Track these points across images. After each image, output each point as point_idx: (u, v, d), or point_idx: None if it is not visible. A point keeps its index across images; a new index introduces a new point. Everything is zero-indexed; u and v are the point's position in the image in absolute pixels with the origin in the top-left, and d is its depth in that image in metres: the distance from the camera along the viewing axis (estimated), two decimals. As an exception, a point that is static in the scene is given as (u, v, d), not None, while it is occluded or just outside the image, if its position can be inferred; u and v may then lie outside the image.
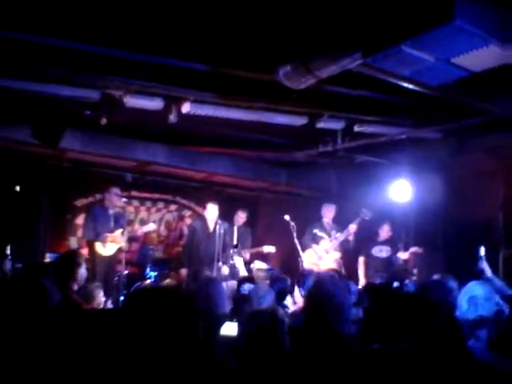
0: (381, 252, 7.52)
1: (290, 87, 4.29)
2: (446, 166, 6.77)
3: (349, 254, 7.74)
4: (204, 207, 7.50)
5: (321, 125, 5.72)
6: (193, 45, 4.18)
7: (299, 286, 4.72)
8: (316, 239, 7.60)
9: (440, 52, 3.60)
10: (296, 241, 7.29)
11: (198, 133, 6.82)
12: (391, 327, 1.47)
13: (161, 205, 9.16)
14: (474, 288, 3.19)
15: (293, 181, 8.64)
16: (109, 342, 1.53)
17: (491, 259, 5.04)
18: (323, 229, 7.67)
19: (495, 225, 6.59)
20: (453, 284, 3.97)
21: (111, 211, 6.94)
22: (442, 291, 3.89)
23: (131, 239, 7.50)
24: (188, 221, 9.08)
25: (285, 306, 4.62)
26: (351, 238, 7.56)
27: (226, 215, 7.61)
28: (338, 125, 5.96)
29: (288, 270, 7.96)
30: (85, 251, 6.60)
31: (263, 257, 8.41)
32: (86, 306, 4.01)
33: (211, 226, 7.29)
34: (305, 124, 5.67)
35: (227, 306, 3.95)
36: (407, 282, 6.29)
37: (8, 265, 5.79)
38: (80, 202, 8.23)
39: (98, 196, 7.99)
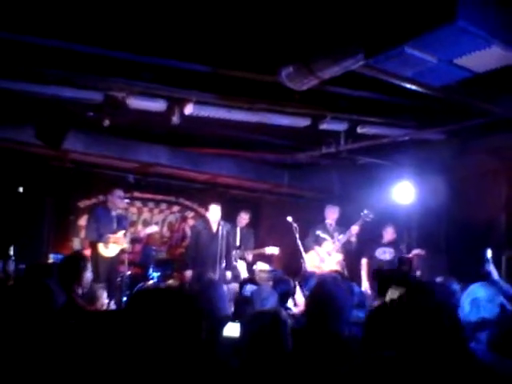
0: (384, 254, 7.50)
1: (292, 88, 4.29)
2: (448, 168, 6.76)
3: (351, 256, 7.73)
4: (207, 208, 7.50)
5: (323, 126, 5.72)
6: (195, 46, 4.19)
7: (301, 288, 4.72)
8: (319, 241, 7.59)
9: (443, 53, 3.59)
10: (299, 242, 7.28)
11: (201, 134, 6.83)
12: (394, 329, 1.47)
13: (163, 206, 9.18)
14: (477, 290, 3.18)
15: (295, 182, 8.63)
16: (113, 343, 1.53)
17: (494, 260, 5.03)
18: (326, 230, 7.66)
19: (498, 226, 6.58)
20: (455, 286, 3.97)
21: (114, 212, 6.95)
22: (444, 293, 3.88)
23: (134, 240, 7.52)
24: (191, 222, 9.09)
25: (287, 308, 4.62)
26: (353, 239, 7.54)
27: (229, 216, 7.62)
28: (340, 126, 5.95)
29: (290, 272, 7.95)
30: (87, 252, 6.62)
31: (266, 258, 8.41)
32: (90, 308, 4.01)
33: (214, 228, 7.28)
34: (307, 125, 5.67)
35: (229, 308, 3.95)
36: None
37: (11, 266, 5.80)
38: (83, 204, 8.25)
39: (101, 197, 8.00)
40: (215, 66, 4.42)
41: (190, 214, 9.36)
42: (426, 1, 3.17)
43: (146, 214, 8.93)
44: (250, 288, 6.96)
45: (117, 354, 1.49)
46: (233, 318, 3.36)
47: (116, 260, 6.87)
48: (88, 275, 4.03)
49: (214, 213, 7.25)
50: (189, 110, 5.17)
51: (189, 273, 7.12)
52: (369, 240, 7.68)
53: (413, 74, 3.97)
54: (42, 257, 7.19)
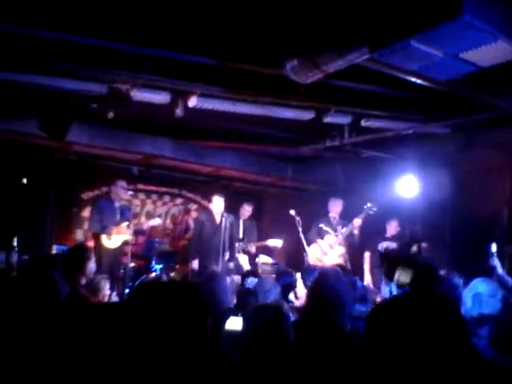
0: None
1: (297, 81, 4.27)
2: (453, 162, 6.74)
3: (354, 249, 7.73)
4: (210, 201, 7.50)
5: (328, 119, 5.71)
6: (200, 38, 4.17)
7: (304, 281, 4.72)
8: (322, 234, 7.59)
9: (448, 47, 3.57)
10: (301, 236, 7.29)
11: (205, 127, 6.82)
12: (398, 325, 1.47)
13: (167, 198, 9.19)
14: (479, 285, 3.18)
15: (299, 175, 8.63)
16: (116, 336, 1.54)
17: (497, 254, 5.03)
18: (329, 224, 7.66)
19: (501, 220, 6.57)
20: (458, 280, 3.97)
21: (117, 204, 6.96)
22: (447, 287, 3.88)
23: (137, 232, 7.53)
24: (194, 214, 9.10)
25: (289, 301, 4.63)
26: (356, 232, 7.53)
27: (232, 209, 7.62)
28: (344, 119, 5.94)
29: (293, 265, 7.97)
30: (91, 243, 6.64)
31: (269, 251, 8.42)
32: (93, 299, 4.04)
33: (217, 219, 7.29)
34: (312, 118, 5.66)
35: (232, 301, 3.96)
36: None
37: (15, 257, 5.83)
38: (86, 195, 8.27)
39: (104, 189, 8.02)
40: (219, 58, 4.40)
41: (194, 207, 9.38)
42: (432, -5, 3.15)
43: (149, 206, 8.94)
44: (251, 281, 6.99)
45: (119, 347, 1.49)
46: (235, 311, 3.37)
47: (119, 252, 6.89)
48: (91, 266, 4.06)
49: (218, 204, 7.25)
50: (192, 102, 5.16)
51: (195, 262, 7.11)
52: (372, 233, 7.67)
53: (418, 67, 3.96)
54: (46, 248, 7.22)
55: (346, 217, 7.70)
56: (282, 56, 4.10)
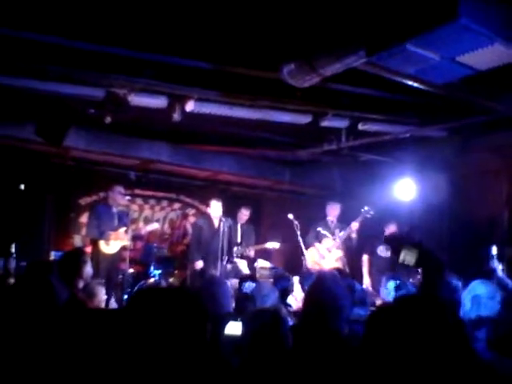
0: (386, 251, 7.49)
1: (294, 85, 4.28)
2: (450, 165, 6.75)
3: (352, 252, 7.72)
4: (208, 205, 7.50)
5: (325, 123, 5.71)
6: (197, 43, 4.18)
7: (302, 286, 4.71)
8: (319, 238, 7.59)
9: (445, 50, 3.58)
10: (300, 239, 7.28)
11: (202, 131, 6.82)
12: (398, 329, 1.47)
13: (165, 203, 9.19)
14: (477, 287, 3.18)
15: (296, 179, 8.63)
16: (116, 341, 1.53)
17: (497, 257, 5.03)
18: (327, 227, 7.66)
19: (500, 223, 6.57)
20: (456, 283, 3.97)
21: (115, 209, 6.95)
22: (447, 290, 3.88)
23: (135, 237, 7.52)
24: (192, 219, 9.09)
25: (287, 305, 4.62)
26: (354, 235, 7.52)
27: (230, 213, 7.61)
28: (342, 123, 5.94)
29: (292, 269, 7.96)
30: (88, 249, 6.62)
31: (267, 254, 8.41)
32: (89, 304, 4.02)
33: (216, 223, 7.29)
34: (309, 122, 5.66)
35: (231, 305, 3.95)
36: (411, 281, 6.26)
37: (12, 263, 5.81)
38: (84, 201, 8.26)
39: (102, 194, 8.01)
40: (216, 62, 4.41)
41: (191, 211, 9.37)
42: (428, -2, 3.16)
43: (147, 211, 8.94)
44: (249, 285, 6.97)
45: (119, 353, 1.49)
46: (234, 315, 3.36)
47: (117, 257, 6.87)
48: (88, 270, 4.06)
49: (216, 209, 7.25)
50: (190, 106, 5.16)
51: (198, 263, 7.08)
52: (370, 236, 7.67)
53: (415, 71, 3.96)
54: (44, 254, 7.21)
55: (344, 220, 7.70)
56: (279, 60, 4.11)
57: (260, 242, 8.21)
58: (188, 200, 9.38)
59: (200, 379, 1.46)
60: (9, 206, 7.08)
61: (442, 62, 3.70)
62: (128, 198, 7.15)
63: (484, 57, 3.63)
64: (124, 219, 6.97)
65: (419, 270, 7.27)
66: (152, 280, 7.36)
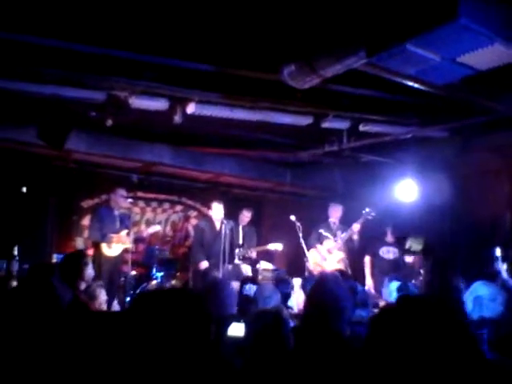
0: (388, 253, 7.48)
1: (294, 87, 4.28)
2: (451, 165, 6.74)
3: (354, 254, 7.71)
4: (209, 207, 7.50)
5: (326, 124, 5.71)
6: (197, 45, 4.18)
7: (304, 289, 4.71)
8: (321, 239, 7.58)
9: (445, 51, 3.58)
10: (302, 241, 7.28)
11: (203, 133, 6.83)
12: (402, 330, 1.46)
13: (166, 205, 9.19)
14: (479, 288, 3.18)
15: (298, 181, 8.63)
16: (119, 343, 1.53)
17: (501, 259, 5.02)
18: (329, 229, 7.65)
19: (502, 224, 6.56)
20: (459, 284, 3.96)
21: (117, 212, 6.96)
22: (452, 288, 3.88)
23: (137, 240, 7.53)
24: (194, 221, 9.10)
25: (288, 307, 4.62)
26: (355, 237, 7.51)
27: (232, 215, 7.62)
28: (343, 124, 5.94)
29: (294, 270, 7.96)
30: (90, 252, 6.63)
31: (269, 256, 8.41)
32: (90, 306, 4.02)
33: (217, 226, 7.29)
34: (310, 124, 5.67)
35: (235, 307, 3.95)
36: (413, 282, 6.25)
37: (15, 266, 5.82)
38: (86, 203, 8.27)
39: (104, 197, 8.02)
40: (217, 64, 4.41)
41: (193, 214, 9.38)
42: (428, -1, 3.16)
43: (149, 214, 8.94)
44: (249, 287, 6.99)
45: (122, 355, 1.49)
46: (237, 317, 3.36)
47: (119, 260, 6.88)
48: (89, 272, 4.07)
49: (217, 211, 7.26)
50: (191, 109, 5.17)
51: (203, 264, 7.08)
52: (372, 238, 7.66)
53: (415, 71, 3.96)
54: (46, 257, 7.22)
55: (346, 222, 7.69)
56: (280, 61, 4.11)
57: (262, 244, 8.21)
58: (190, 202, 9.39)
59: (202, 380, 1.46)
60: (11, 208, 7.10)
61: (442, 62, 3.70)
62: (130, 200, 7.15)
63: (484, 57, 3.63)
64: (126, 222, 6.98)
65: (421, 271, 7.28)
66: (154, 282, 7.36)
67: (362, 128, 5.90)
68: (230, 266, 7.21)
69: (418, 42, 3.38)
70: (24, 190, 7.13)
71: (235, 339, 2.95)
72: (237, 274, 7.26)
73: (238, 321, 3.08)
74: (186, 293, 1.68)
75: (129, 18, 3.80)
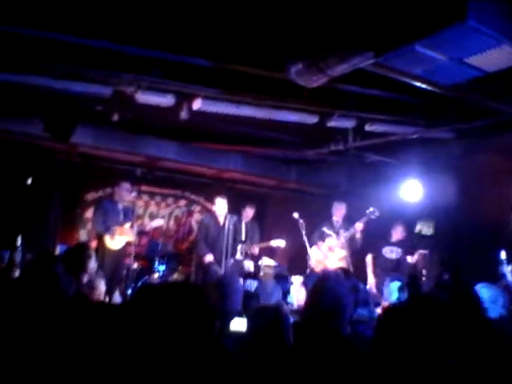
0: (391, 253, 7.46)
1: (301, 85, 4.28)
2: (456, 166, 6.73)
3: (356, 252, 7.71)
4: (213, 202, 7.51)
5: (331, 123, 5.71)
6: (204, 42, 4.19)
7: (306, 286, 4.72)
8: (324, 237, 7.58)
9: (453, 52, 3.57)
10: (305, 239, 7.29)
11: (209, 129, 6.83)
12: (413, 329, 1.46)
13: (170, 200, 9.21)
14: (481, 290, 3.18)
15: (302, 178, 8.63)
16: (121, 336, 1.54)
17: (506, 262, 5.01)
18: (332, 227, 7.65)
19: (506, 225, 6.54)
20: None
21: (120, 205, 6.97)
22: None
23: (140, 233, 7.55)
24: (197, 216, 9.11)
25: (288, 303, 4.63)
26: (358, 235, 7.50)
27: (235, 211, 7.62)
28: (348, 123, 5.94)
29: (296, 268, 7.98)
30: (94, 244, 6.65)
31: (272, 252, 8.42)
32: (90, 296, 4.04)
33: (221, 221, 7.30)
34: (316, 122, 5.66)
35: (240, 303, 3.95)
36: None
37: (18, 256, 5.85)
38: (90, 196, 8.30)
39: (108, 190, 8.04)
40: (224, 61, 4.42)
41: (197, 208, 9.39)
42: (437, 0, 3.15)
43: (152, 208, 8.96)
44: (250, 283, 7.01)
45: (122, 347, 1.50)
46: (240, 312, 3.38)
47: (122, 252, 6.89)
48: (93, 264, 4.08)
49: (221, 206, 7.27)
50: (197, 105, 5.18)
51: (209, 256, 7.09)
52: (375, 237, 7.65)
53: (423, 72, 3.96)
54: (50, 248, 7.24)
55: (349, 221, 7.69)
56: (287, 60, 4.11)
57: (264, 241, 8.21)
58: (193, 197, 9.40)
59: (203, 373, 1.47)
60: (16, 200, 7.13)
61: (449, 63, 3.69)
62: (134, 194, 7.16)
63: (492, 58, 3.62)
64: (129, 215, 7.00)
65: (424, 272, 7.28)
66: (156, 275, 7.38)
67: (368, 128, 5.90)
68: (233, 261, 7.23)
69: (426, 42, 3.37)
70: (29, 181, 7.16)
71: (237, 334, 2.97)
72: (239, 270, 7.28)
73: (241, 316, 3.09)
74: (189, 286, 1.69)
75: (136, 13, 3.80)
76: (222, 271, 6.81)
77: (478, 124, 5.53)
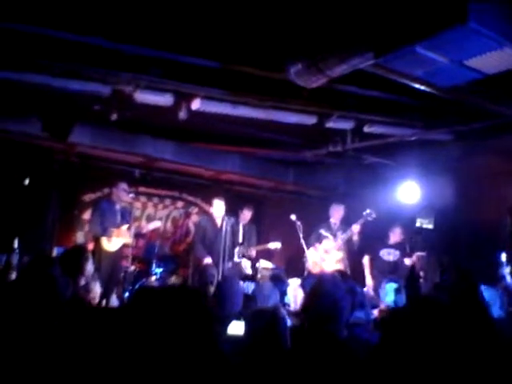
0: (389, 255, 7.45)
1: (300, 85, 4.27)
2: (455, 168, 6.73)
3: (353, 255, 7.69)
4: (211, 204, 7.49)
5: (330, 124, 5.70)
6: (204, 42, 4.17)
7: (303, 289, 4.70)
8: (321, 239, 7.56)
9: (453, 53, 3.57)
10: (302, 241, 7.27)
11: (207, 130, 6.82)
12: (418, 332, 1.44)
13: (168, 201, 9.18)
14: (481, 292, 3.16)
15: (300, 180, 8.62)
16: (117, 338, 1.52)
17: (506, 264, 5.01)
18: (329, 229, 7.63)
19: (504, 228, 6.54)
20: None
21: (118, 206, 6.93)
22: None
23: (137, 235, 7.51)
24: (194, 218, 9.07)
25: (285, 305, 4.61)
26: (355, 238, 7.48)
27: (233, 213, 7.60)
28: (347, 125, 5.93)
29: (293, 270, 7.96)
30: (90, 246, 6.61)
31: (269, 254, 8.39)
32: (85, 299, 4.03)
33: (218, 223, 7.27)
34: (314, 123, 5.65)
35: (240, 305, 3.93)
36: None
37: (15, 258, 5.81)
38: (88, 197, 8.26)
39: (106, 191, 8.00)
40: (223, 61, 4.40)
41: (194, 210, 9.35)
42: (438, 2, 3.14)
43: (150, 209, 8.93)
44: (247, 285, 6.99)
45: (120, 350, 1.48)
46: (238, 315, 3.36)
47: (119, 254, 6.84)
48: (90, 267, 4.06)
49: (218, 208, 7.24)
50: (196, 105, 5.16)
51: (207, 259, 7.06)
52: (373, 239, 7.63)
53: (423, 73, 3.95)
54: (47, 250, 7.20)
55: (347, 222, 7.67)
56: (286, 60, 4.10)
57: (262, 243, 8.19)
58: (191, 198, 9.36)
59: (201, 378, 1.45)
60: (13, 201, 7.09)
61: (450, 65, 3.69)
62: (132, 195, 7.13)
63: (492, 60, 3.62)
64: (126, 217, 6.95)
65: (421, 273, 7.26)
66: (153, 278, 7.34)
67: (366, 129, 5.89)
68: (231, 264, 7.20)
69: (427, 44, 3.37)
70: (26, 182, 7.12)
71: (235, 338, 2.94)
72: (238, 272, 7.25)
73: (239, 319, 3.07)
74: (186, 290, 1.67)
75: (135, 12, 3.79)
76: (219, 274, 6.78)
77: (477, 126, 5.53)
